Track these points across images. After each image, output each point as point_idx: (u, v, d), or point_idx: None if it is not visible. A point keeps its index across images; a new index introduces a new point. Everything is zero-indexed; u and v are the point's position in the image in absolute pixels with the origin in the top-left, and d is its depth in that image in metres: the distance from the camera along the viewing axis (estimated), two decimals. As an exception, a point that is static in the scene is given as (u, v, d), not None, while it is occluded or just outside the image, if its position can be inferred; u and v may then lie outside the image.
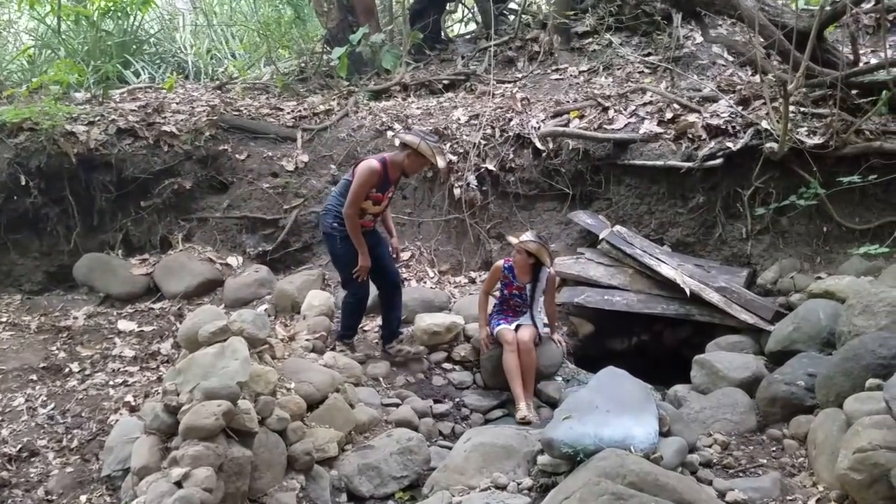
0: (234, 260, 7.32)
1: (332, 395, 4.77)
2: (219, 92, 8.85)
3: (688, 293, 6.00)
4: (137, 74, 9.85)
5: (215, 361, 4.15)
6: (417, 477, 4.62)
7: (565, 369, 6.04)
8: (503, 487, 4.20)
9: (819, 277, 5.99)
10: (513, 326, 5.71)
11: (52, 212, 7.25)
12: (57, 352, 5.95)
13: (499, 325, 5.75)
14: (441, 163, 5.62)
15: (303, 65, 9.65)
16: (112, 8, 8.81)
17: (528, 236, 5.63)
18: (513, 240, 5.76)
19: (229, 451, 3.87)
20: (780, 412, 4.79)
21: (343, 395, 4.90)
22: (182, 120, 7.57)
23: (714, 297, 5.92)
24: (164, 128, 7.41)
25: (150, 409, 4.14)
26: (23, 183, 7.01)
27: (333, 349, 5.76)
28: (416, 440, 4.76)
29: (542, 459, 4.21)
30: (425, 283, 7.09)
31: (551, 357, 5.96)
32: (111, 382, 5.39)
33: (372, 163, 5.49)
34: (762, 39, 6.42)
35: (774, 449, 4.60)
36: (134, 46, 10.30)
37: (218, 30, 11.50)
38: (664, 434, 4.32)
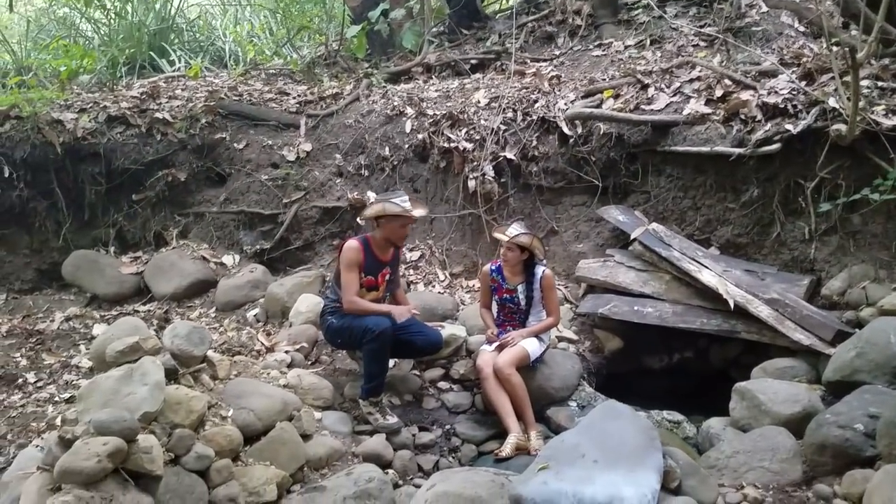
0: (229, 259, 6.70)
1: (280, 425, 4.03)
2: (241, 79, 8.25)
3: (731, 305, 5.00)
4: (173, 63, 9.40)
5: (119, 387, 3.49)
6: (376, 528, 3.84)
7: (581, 393, 5.16)
8: (464, 552, 3.39)
9: (897, 289, 4.90)
10: (492, 347, 4.89)
11: (41, 206, 6.76)
12: (20, 359, 5.44)
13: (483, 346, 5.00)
14: (420, 212, 4.89)
15: (327, 47, 8.94)
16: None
17: (516, 228, 4.92)
18: (499, 236, 4.99)
19: (121, 497, 3.19)
20: (830, 462, 3.76)
21: (296, 424, 4.16)
22: (178, 106, 6.96)
23: (763, 312, 4.88)
24: (157, 114, 6.81)
25: (49, 441, 3.52)
26: (6, 175, 6.53)
27: (357, 408, 4.77)
28: (377, 481, 3.95)
29: (515, 519, 3.38)
30: (434, 287, 6.28)
31: (564, 378, 5.11)
32: (56, 397, 4.79)
33: (351, 242, 4.81)
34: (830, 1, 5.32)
35: (821, 511, 3.60)
36: (172, 35, 9.89)
37: (261, 15, 11.02)
38: (672, 491, 3.42)
